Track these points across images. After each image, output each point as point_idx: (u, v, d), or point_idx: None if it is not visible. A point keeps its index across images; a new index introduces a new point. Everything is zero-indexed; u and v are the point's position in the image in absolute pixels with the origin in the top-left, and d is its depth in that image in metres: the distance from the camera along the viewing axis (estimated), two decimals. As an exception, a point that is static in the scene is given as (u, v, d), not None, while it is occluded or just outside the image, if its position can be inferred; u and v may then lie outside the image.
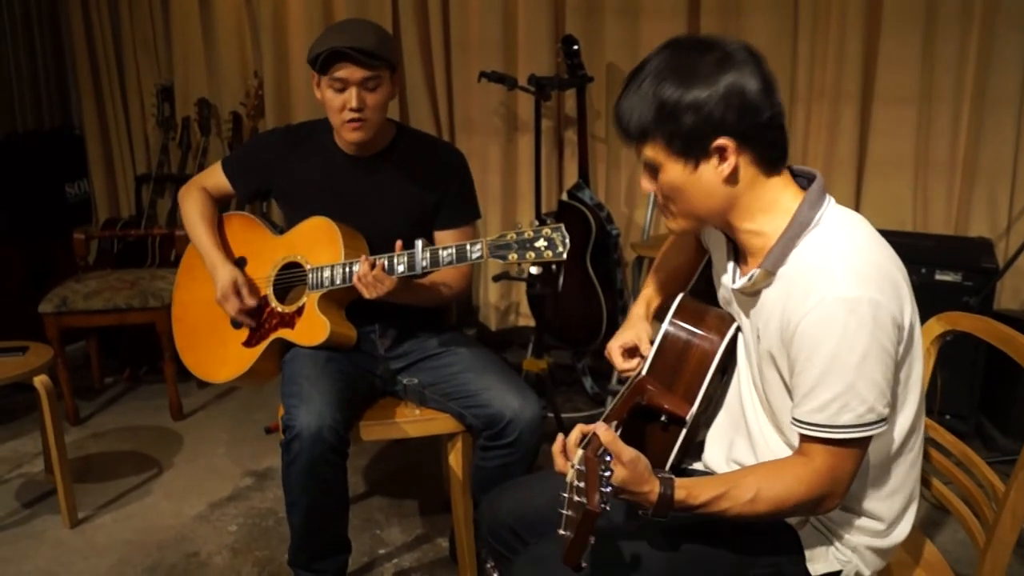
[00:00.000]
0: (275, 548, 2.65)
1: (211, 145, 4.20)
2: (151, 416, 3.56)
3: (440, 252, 2.04)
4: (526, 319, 4.10)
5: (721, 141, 1.34)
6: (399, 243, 2.09)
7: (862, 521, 1.47)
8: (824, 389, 1.30)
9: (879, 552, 1.49)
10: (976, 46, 3.36)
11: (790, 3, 3.50)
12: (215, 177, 2.46)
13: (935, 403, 2.73)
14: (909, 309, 1.35)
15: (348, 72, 2.13)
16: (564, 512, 1.22)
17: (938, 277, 3.11)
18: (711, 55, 1.34)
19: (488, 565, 2.44)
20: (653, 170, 1.41)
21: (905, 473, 1.47)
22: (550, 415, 3.18)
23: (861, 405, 1.30)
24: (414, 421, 2.30)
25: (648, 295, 1.82)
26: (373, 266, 2.07)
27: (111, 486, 3.02)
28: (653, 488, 1.31)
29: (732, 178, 1.37)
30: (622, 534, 1.52)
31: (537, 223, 1.96)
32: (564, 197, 3.60)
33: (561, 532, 1.21)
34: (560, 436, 1.41)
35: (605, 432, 1.31)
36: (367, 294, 2.09)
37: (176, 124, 4.26)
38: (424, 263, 2.06)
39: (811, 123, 3.58)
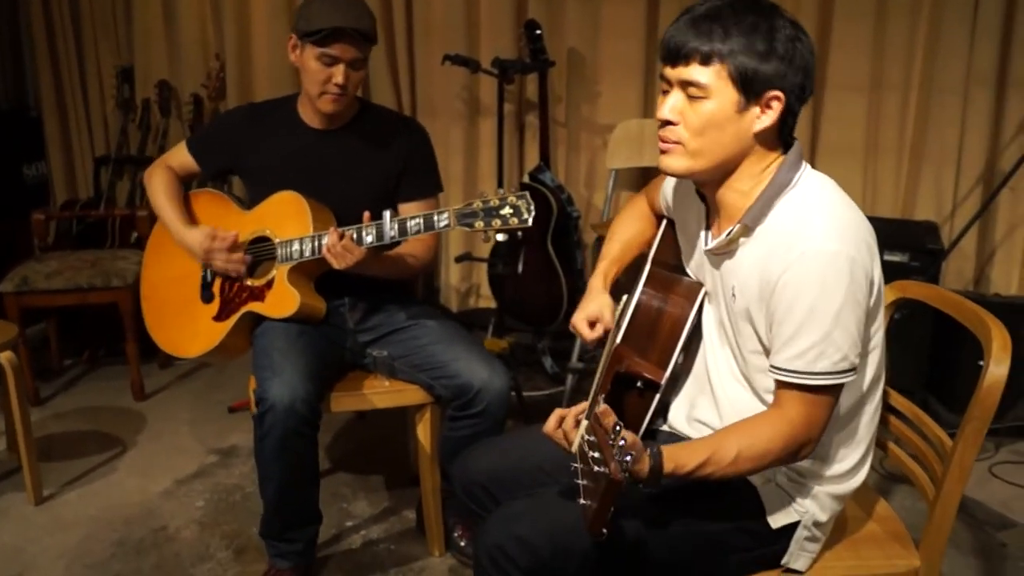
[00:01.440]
0: (243, 522, 2.68)
1: (171, 127, 4.18)
2: (113, 397, 3.55)
3: (408, 221, 2.08)
4: (487, 301, 4.15)
5: (778, 94, 1.39)
6: (367, 214, 2.13)
7: (825, 468, 1.55)
8: (803, 338, 1.38)
9: (837, 498, 1.57)
10: (924, 36, 3.47)
11: (746, -9, 3.59)
12: (180, 157, 2.48)
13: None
14: (878, 265, 1.44)
15: (342, 51, 2.18)
16: (580, 483, 1.25)
17: (886, 258, 3.21)
18: (783, 17, 1.40)
19: (456, 534, 2.51)
20: (695, 97, 1.41)
21: (867, 424, 1.56)
22: (511, 393, 3.24)
23: (836, 353, 1.38)
24: (384, 392, 2.35)
25: (604, 267, 1.85)
26: (342, 237, 2.11)
27: (75, 464, 3.02)
28: (645, 462, 1.36)
29: (763, 133, 1.43)
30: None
31: (502, 191, 2.00)
32: (526, 179, 3.65)
33: (581, 502, 1.24)
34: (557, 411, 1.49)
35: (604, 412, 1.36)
36: (337, 264, 2.13)
37: (136, 106, 4.22)
38: (392, 232, 2.09)
39: (765, 109, 3.67)
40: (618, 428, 1.28)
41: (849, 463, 1.57)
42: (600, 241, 3.58)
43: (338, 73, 2.19)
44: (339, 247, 2.10)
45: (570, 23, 3.79)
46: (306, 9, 2.21)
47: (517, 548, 1.46)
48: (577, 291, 3.62)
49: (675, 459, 1.37)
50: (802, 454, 1.44)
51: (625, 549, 1.50)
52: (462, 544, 2.48)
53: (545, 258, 3.57)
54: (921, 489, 1.71)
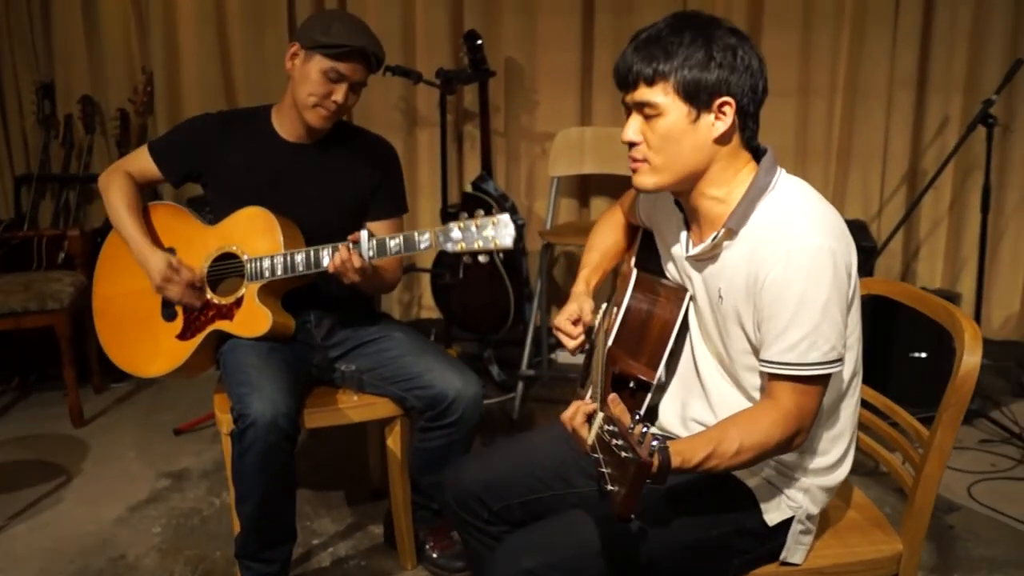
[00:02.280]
0: (205, 546, 2.61)
1: (96, 144, 4.05)
2: (50, 424, 3.42)
3: (388, 242, 2.08)
4: (428, 311, 4.15)
5: (727, 99, 1.47)
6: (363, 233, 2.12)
7: (814, 462, 1.61)
8: (794, 330, 1.44)
9: (826, 490, 1.64)
10: (847, 42, 3.63)
11: (679, 2, 3.69)
12: (140, 162, 2.38)
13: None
14: (855, 260, 1.51)
15: (353, 71, 2.18)
16: (604, 471, 1.27)
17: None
18: (721, 27, 1.48)
19: (428, 546, 2.51)
20: (650, 116, 1.49)
21: (849, 418, 1.63)
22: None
23: (826, 344, 1.44)
24: (355, 407, 2.33)
25: (585, 274, 1.91)
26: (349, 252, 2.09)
27: (19, 496, 2.90)
28: (654, 457, 1.39)
29: (722, 139, 1.50)
30: (586, 504, 1.60)
31: (483, 213, 2.01)
32: (469, 189, 3.67)
33: (608, 488, 1.26)
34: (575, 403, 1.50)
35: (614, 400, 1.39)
36: (344, 279, 2.13)
37: (58, 122, 4.07)
38: (371, 252, 2.09)
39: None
40: (637, 416, 1.32)
41: (834, 456, 1.63)
42: (548, 247, 3.63)
43: (339, 91, 2.18)
44: (350, 263, 2.08)
45: (507, 34, 3.83)
46: (321, 24, 2.18)
47: None
48: (523, 298, 3.65)
49: (681, 454, 1.40)
50: (796, 443, 1.50)
51: (633, 563, 1.53)
52: (434, 556, 2.48)
53: (491, 267, 3.59)
54: (898, 476, 1.80)
